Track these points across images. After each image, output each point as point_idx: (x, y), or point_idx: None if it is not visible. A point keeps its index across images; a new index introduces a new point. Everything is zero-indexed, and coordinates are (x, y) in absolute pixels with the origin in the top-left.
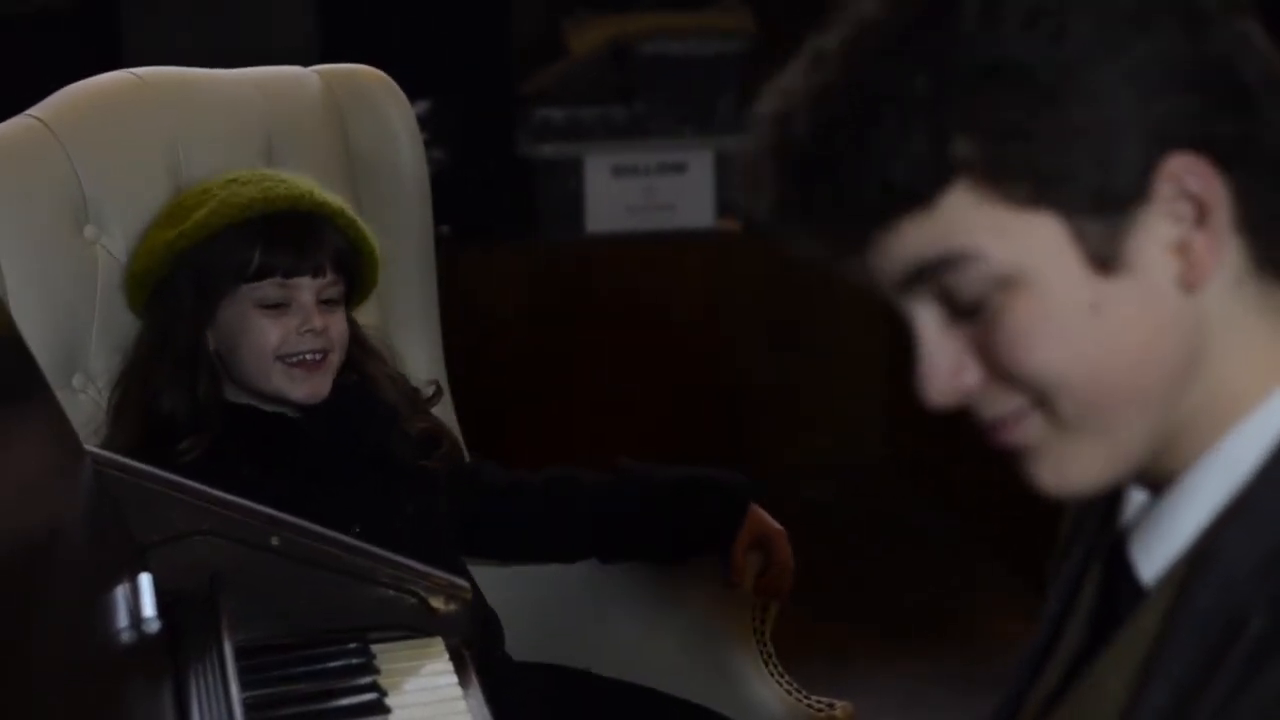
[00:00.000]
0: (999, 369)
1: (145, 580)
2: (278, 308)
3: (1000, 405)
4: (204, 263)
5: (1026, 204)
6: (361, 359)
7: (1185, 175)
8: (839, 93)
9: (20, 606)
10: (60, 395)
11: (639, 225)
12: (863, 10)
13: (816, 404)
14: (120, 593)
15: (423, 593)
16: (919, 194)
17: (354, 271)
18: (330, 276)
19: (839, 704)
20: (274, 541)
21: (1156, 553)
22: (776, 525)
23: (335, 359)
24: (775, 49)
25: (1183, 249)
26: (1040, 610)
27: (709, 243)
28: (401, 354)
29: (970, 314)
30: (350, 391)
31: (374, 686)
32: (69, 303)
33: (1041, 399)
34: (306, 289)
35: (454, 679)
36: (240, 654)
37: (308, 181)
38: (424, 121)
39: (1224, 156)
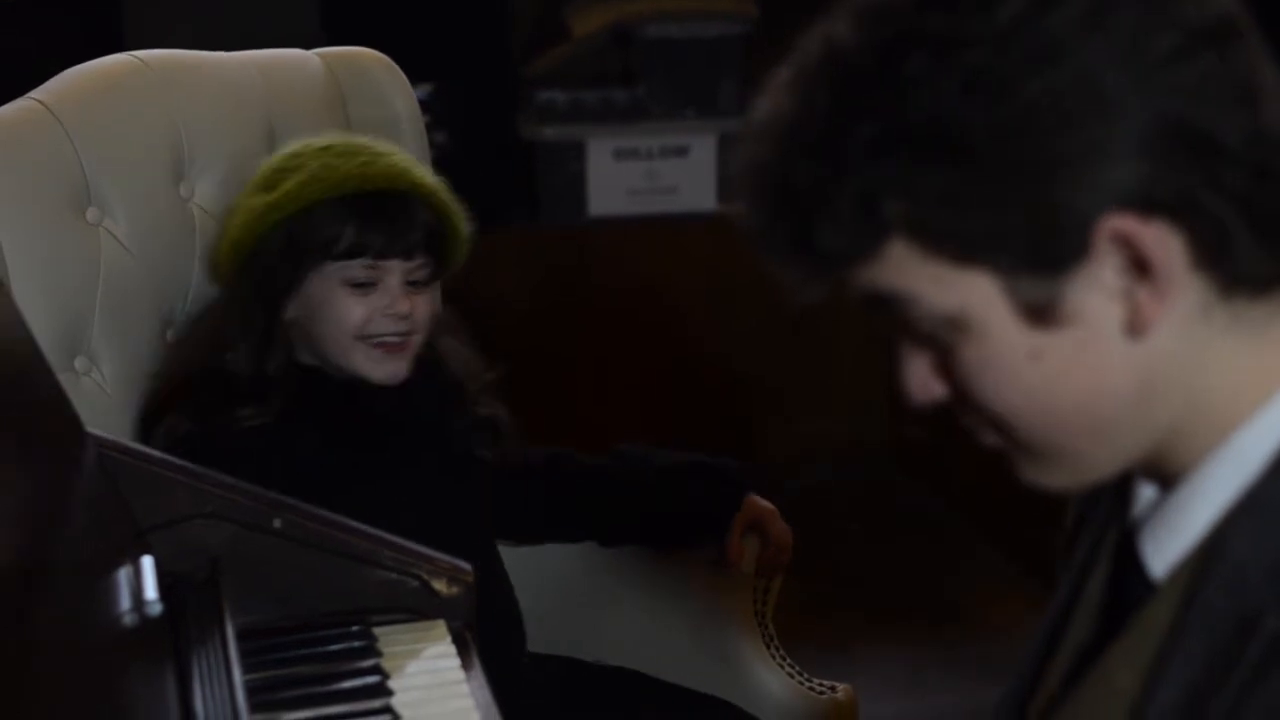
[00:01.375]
0: (959, 395)
1: (147, 563)
2: (364, 287)
3: (971, 418)
4: (294, 235)
5: (958, 261)
6: (436, 334)
7: (1126, 235)
8: (799, 127)
9: (23, 589)
10: (63, 378)
11: (641, 209)
12: (836, 31)
13: (817, 388)
14: (122, 575)
15: (425, 575)
16: (857, 252)
17: (443, 251)
18: (420, 259)
19: (841, 687)
20: (276, 524)
21: (1167, 548)
22: (767, 504)
23: (417, 340)
24: (777, 32)
25: (1127, 298)
26: (1044, 597)
27: (711, 226)
28: None
29: (929, 342)
30: (420, 367)
31: (376, 669)
32: (71, 285)
33: (998, 427)
34: (395, 271)
35: (456, 661)
36: (242, 636)
37: (405, 158)
38: (426, 105)
39: (1175, 208)
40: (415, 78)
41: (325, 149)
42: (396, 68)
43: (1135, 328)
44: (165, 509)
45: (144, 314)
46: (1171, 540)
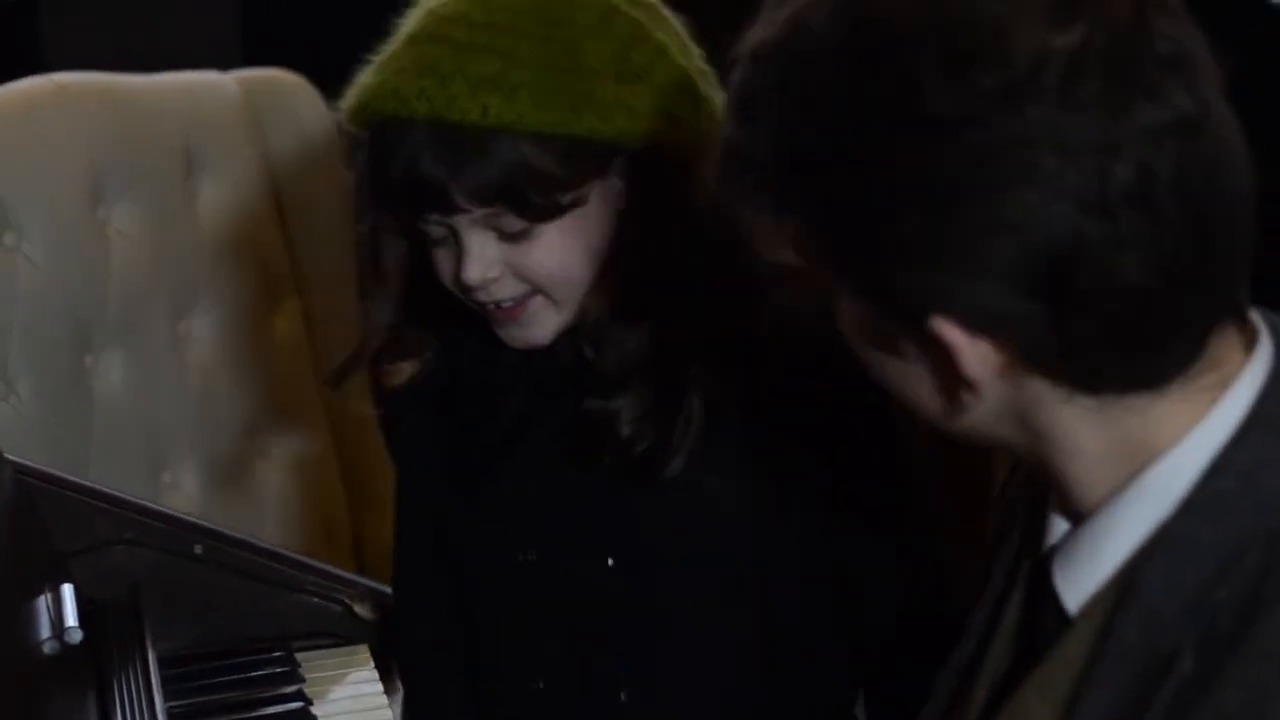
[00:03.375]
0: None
1: (67, 590)
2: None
3: None
4: None
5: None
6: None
7: (945, 342)
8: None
9: None
10: None
11: None
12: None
13: None
14: (42, 603)
15: (347, 600)
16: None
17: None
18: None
19: None
20: (197, 550)
21: (1081, 581)
22: None
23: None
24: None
25: (945, 379)
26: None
27: None
28: (324, 356)
29: None
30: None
31: (299, 695)
32: None
33: None
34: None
35: (379, 686)
36: (164, 663)
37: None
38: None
39: (1003, 331)
40: (337, 99)
41: None
42: (314, 90)
43: (952, 402)
44: (86, 535)
45: (61, 338)
46: (1085, 574)
